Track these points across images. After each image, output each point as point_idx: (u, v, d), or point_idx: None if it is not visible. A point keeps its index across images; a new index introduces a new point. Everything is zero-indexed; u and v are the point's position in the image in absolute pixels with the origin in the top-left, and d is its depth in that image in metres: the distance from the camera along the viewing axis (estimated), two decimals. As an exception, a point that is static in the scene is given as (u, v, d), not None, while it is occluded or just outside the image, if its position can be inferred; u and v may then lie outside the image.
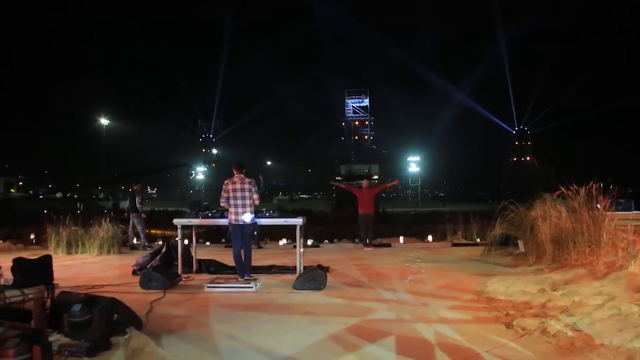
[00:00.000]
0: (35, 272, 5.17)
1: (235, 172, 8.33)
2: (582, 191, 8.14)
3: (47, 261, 5.38)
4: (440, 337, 5.11)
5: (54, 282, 5.38)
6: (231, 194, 8.13)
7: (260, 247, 13.95)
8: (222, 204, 8.29)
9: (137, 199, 14.22)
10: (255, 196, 8.26)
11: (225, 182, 8.27)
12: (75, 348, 4.48)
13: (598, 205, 7.95)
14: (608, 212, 7.88)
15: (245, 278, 8.07)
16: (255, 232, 8.46)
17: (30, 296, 4.97)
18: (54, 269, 5.51)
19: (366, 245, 13.24)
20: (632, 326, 4.87)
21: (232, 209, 8.14)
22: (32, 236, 15.87)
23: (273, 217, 8.96)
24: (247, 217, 8.11)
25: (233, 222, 8.15)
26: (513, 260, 9.82)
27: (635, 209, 17.87)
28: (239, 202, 8.11)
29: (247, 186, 8.18)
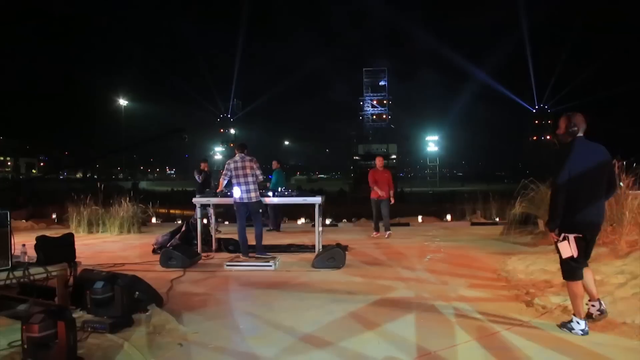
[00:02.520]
0: (58, 250, 5.22)
1: (237, 152, 8.43)
2: (605, 169, 8.00)
3: (69, 239, 5.43)
4: (460, 316, 5.10)
5: (76, 260, 5.43)
6: (234, 173, 8.23)
7: (279, 231, 13.34)
8: (221, 180, 8.49)
9: (196, 177, 13.57)
10: (258, 172, 8.32)
11: (228, 161, 8.43)
12: (97, 324, 4.55)
13: (621, 184, 7.83)
14: (631, 191, 7.76)
15: (257, 257, 8.14)
16: (261, 210, 8.49)
17: (54, 273, 5.03)
18: (76, 247, 5.56)
19: (377, 231, 11.75)
20: (655, 305, 4.82)
21: (236, 188, 8.24)
22: (53, 216, 16.11)
23: (292, 196, 8.99)
24: (252, 195, 8.18)
25: (238, 200, 8.24)
26: (533, 239, 9.75)
27: (659, 188, 17.56)
28: (242, 179, 8.20)
29: (247, 164, 8.24)
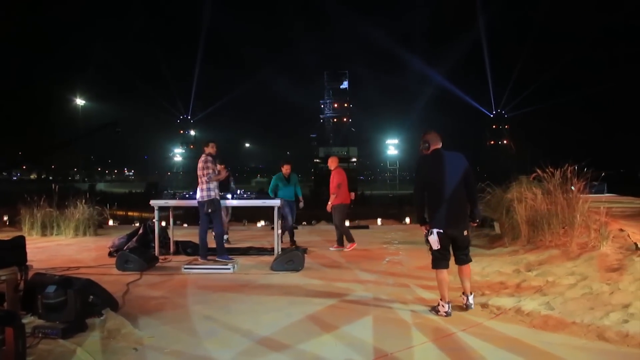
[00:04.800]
0: (7, 253, 5.06)
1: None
2: (557, 174, 8.23)
3: (20, 242, 5.28)
4: (417, 317, 5.17)
5: (28, 263, 5.28)
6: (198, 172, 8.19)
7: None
8: None
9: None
10: (207, 172, 8.10)
11: None
12: (49, 330, 4.43)
13: (572, 188, 8.06)
14: (582, 195, 8.00)
15: (217, 259, 8.05)
16: (210, 210, 8.20)
17: (3, 278, 4.88)
18: (28, 250, 5.40)
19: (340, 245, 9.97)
20: (602, 304, 4.98)
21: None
22: (5, 218, 15.60)
23: (251, 199, 8.93)
24: (204, 194, 8.12)
25: (197, 200, 8.22)
26: (489, 241, 9.93)
27: (608, 192, 18.20)
28: (199, 180, 8.15)
29: (201, 164, 8.17)
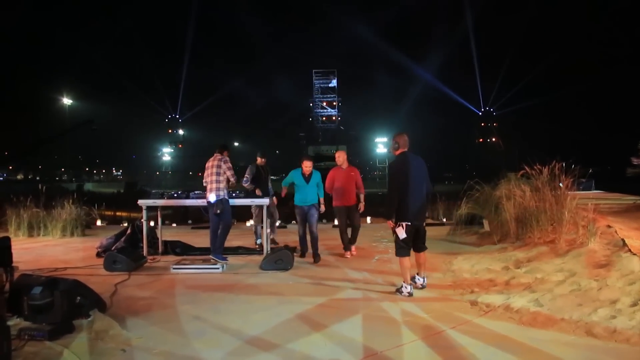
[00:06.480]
0: (-7, 255, 5.02)
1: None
2: (546, 171, 8.27)
3: (5, 243, 5.24)
4: (407, 315, 5.17)
5: (14, 264, 5.23)
6: (205, 172, 8.09)
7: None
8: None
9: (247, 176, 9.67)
10: (229, 173, 8.01)
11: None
12: (36, 332, 4.38)
13: (560, 185, 8.10)
14: (570, 191, 8.03)
15: (211, 258, 7.95)
16: (219, 211, 8.03)
17: (-12, 279, 4.83)
18: (14, 251, 5.37)
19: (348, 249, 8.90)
20: (590, 301, 5.01)
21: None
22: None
23: (240, 198, 8.88)
24: (211, 197, 7.99)
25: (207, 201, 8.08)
26: (478, 239, 9.96)
27: (596, 189, 18.33)
28: (208, 179, 8.03)
29: (215, 162, 8.02)
